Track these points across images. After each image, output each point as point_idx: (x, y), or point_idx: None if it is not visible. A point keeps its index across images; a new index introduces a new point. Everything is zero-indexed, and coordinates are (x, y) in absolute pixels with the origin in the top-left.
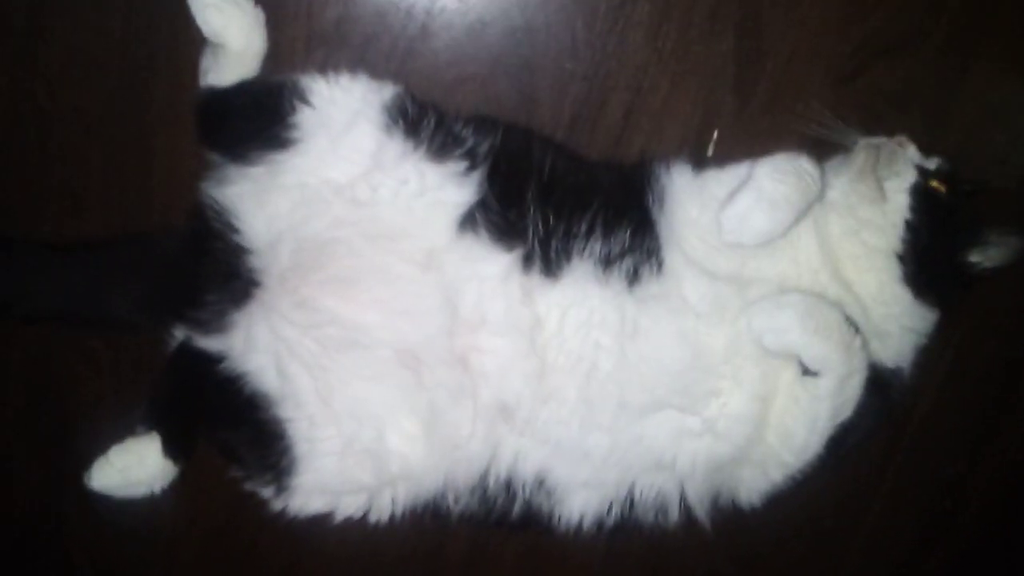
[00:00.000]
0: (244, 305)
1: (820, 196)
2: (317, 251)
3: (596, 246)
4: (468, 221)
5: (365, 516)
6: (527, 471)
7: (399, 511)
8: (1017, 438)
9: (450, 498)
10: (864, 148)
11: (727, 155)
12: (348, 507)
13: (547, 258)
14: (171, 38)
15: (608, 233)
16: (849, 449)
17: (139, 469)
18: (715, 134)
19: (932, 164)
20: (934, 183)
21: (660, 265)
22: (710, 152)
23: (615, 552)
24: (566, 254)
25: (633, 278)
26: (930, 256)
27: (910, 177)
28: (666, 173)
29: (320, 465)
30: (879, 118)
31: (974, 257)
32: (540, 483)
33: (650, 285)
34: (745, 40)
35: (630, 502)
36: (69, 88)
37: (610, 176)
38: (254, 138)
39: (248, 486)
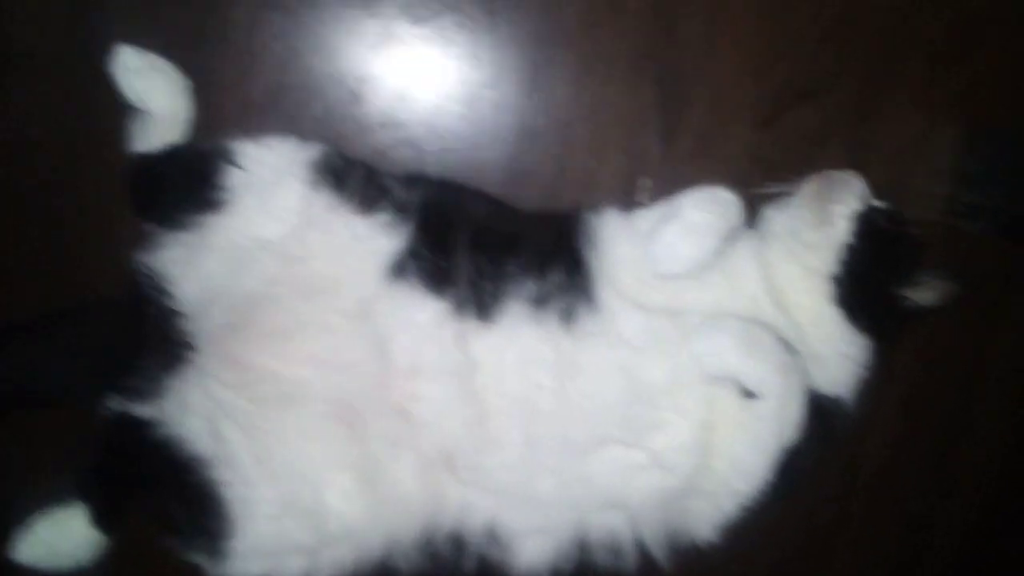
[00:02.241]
0: (178, 369)
1: (741, 222)
2: (248, 310)
3: (528, 288)
4: (399, 270)
5: None
6: (475, 522)
7: (343, 572)
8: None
9: (396, 556)
10: (815, 177)
11: (659, 200)
12: (288, 570)
13: (480, 302)
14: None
15: (540, 275)
16: (798, 477)
17: (66, 541)
18: (649, 183)
19: (879, 203)
20: (877, 214)
21: (594, 303)
22: (645, 199)
23: None
24: (498, 297)
25: (568, 317)
26: (865, 281)
27: (856, 205)
28: (597, 217)
29: (256, 527)
30: (803, 158)
31: (910, 293)
32: (490, 533)
33: (586, 323)
34: (666, 89)
35: (584, 545)
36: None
37: (542, 223)
38: (183, 201)
39: (183, 554)
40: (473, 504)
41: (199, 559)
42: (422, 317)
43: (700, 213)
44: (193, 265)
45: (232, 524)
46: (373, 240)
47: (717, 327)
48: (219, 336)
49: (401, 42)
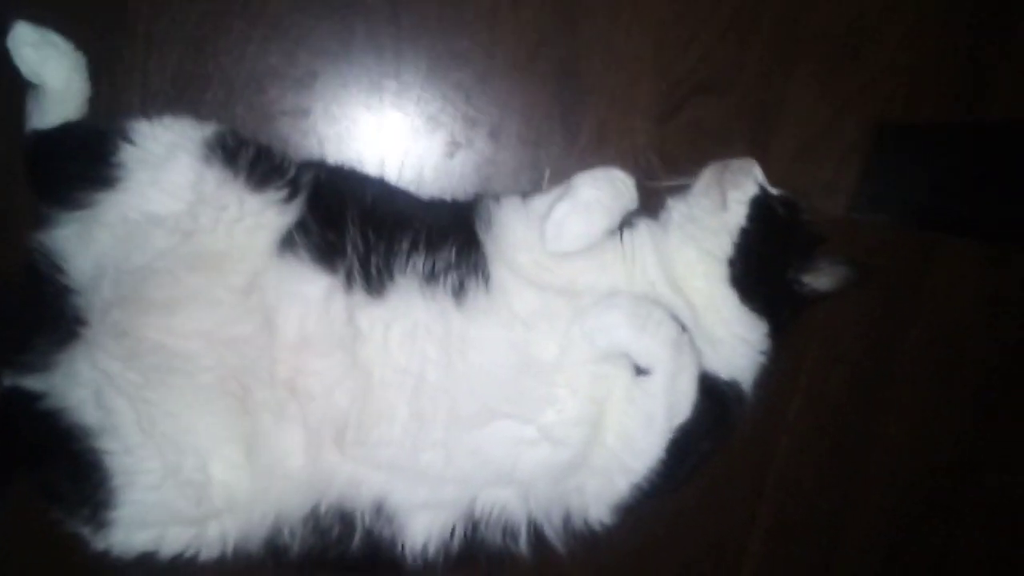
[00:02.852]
0: (69, 344)
1: (634, 202)
2: (138, 284)
3: (419, 262)
4: (288, 243)
5: (194, 555)
6: (363, 497)
7: (229, 546)
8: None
9: (284, 532)
10: (713, 165)
11: None
12: (173, 542)
13: (368, 275)
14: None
15: (432, 250)
16: (693, 459)
17: None
18: (547, 172)
19: (776, 190)
20: (775, 204)
21: (487, 280)
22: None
23: None
24: (388, 271)
25: (459, 292)
26: (759, 264)
27: (752, 190)
28: (495, 203)
29: (138, 497)
30: (704, 152)
31: (805, 279)
32: (378, 509)
33: (477, 299)
34: (566, 81)
35: (475, 522)
36: None
37: (437, 206)
38: (78, 177)
39: (68, 525)
40: (361, 479)
41: (83, 530)
42: (310, 291)
43: (592, 191)
44: (86, 241)
45: (114, 493)
46: (263, 215)
47: (608, 303)
48: (108, 309)
49: (304, 32)
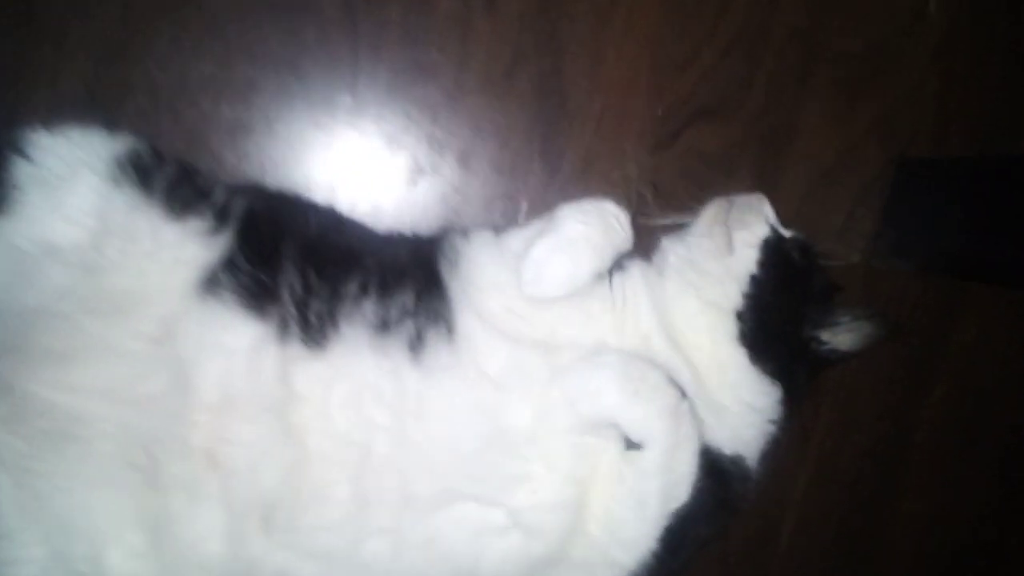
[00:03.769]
0: None
1: (628, 242)
2: (28, 328)
3: (369, 309)
4: (211, 284)
5: None
6: None
7: None
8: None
9: None
10: (717, 202)
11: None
12: None
13: (307, 324)
14: None
15: (385, 295)
16: (689, 547)
17: None
18: (524, 205)
19: (788, 232)
20: (789, 247)
21: (451, 331)
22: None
23: None
24: (331, 319)
25: (417, 346)
26: (773, 318)
27: (762, 231)
28: (463, 239)
29: None
30: (704, 186)
31: (824, 335)
32: None
33: (438, 354)
34: (548, 101)
35: None
36: None
37: (394, 242)
38: None
39: None
40: (292, 571)
41: None
42: (236, 341)
43: (579, 226)
44: None
45: None
46: (182, 249)
47: (595, 362)
48: None
49: (244, 36)
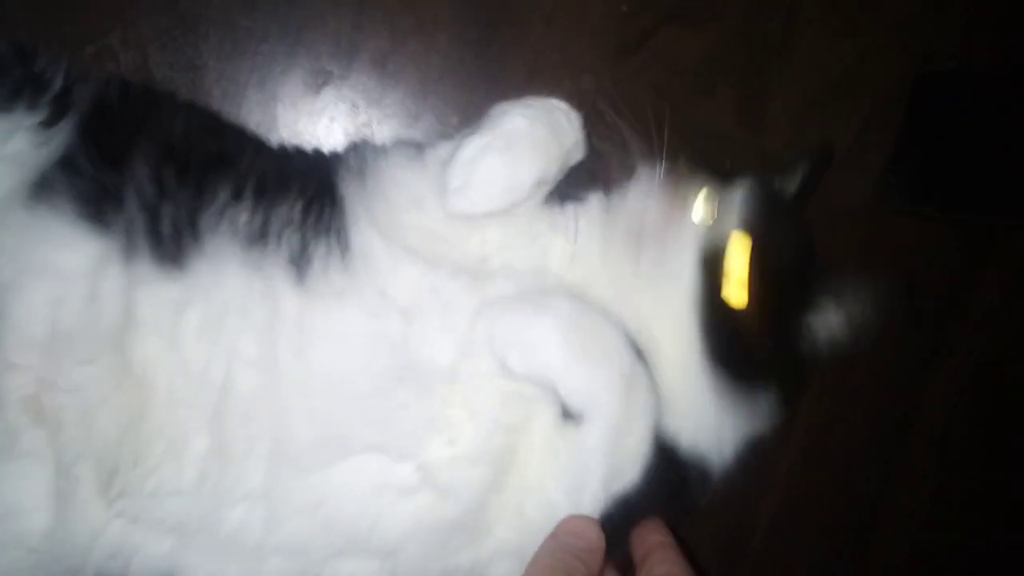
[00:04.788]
0: None
1: (578, 147)
2: None
3: (239, 218)
4: (42, 191)
5: None
6: (138, 573)
7: None
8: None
9: None
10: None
11: None
12: None
13: (159, 237)
14: None
15: (263, 203)
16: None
17: None
18: (454, 120)
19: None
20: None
21: (346, 248)
22: None
23: None
24: (192, 230)
25: (301, 264)
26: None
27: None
28: (375, 150)
29: None
30: (676, 102)
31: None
32: None
33: (328, 276)
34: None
35: None
36: None
37: (281, 151)
38: None
39: None
40: (136, 546)
41: None
42: (69, 261)
43: (520, 120)
44: None
45: None
46: (6, 146)
47: (537, 304)
48: None
49: None
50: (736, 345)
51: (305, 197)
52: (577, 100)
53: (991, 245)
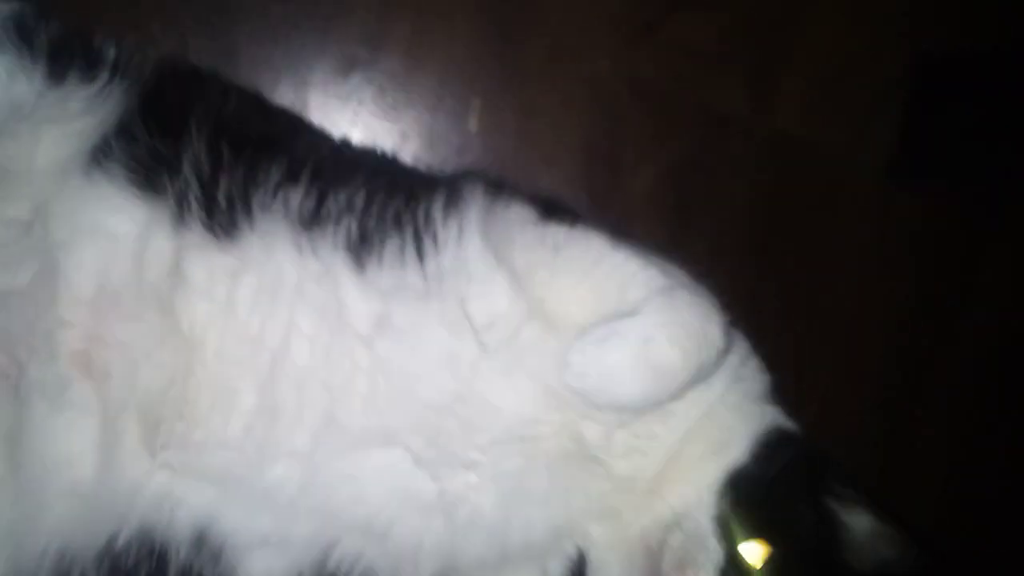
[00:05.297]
0: None
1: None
2: None
3: (293, 199)
4: (98, 156)
5: None
6: (180, 522)
7: None
8: None
9: (70, 571)
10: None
11: (496, 128)
12: None
13: (214, 207)
14: None
15: (315, 186)
16: None
17: None
18: (476, 104)
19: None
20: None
21: (433, 249)
22: (473, 126)
23: None
24: (244, 204)
25: (361, 253)
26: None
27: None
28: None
29: None
30: (691, 83)
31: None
32: (200, 540)
33: (406, 272)
34: None
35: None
36: None
37: (342, 141)
38: None
39: None
40: (179, 496)
41: None
42: (120, 224)
43: (667, 343)
44: None
45: None
46: (65, 115)
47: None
48: None
49: None
50: None
51: (371, 189)
52: (592, 85)
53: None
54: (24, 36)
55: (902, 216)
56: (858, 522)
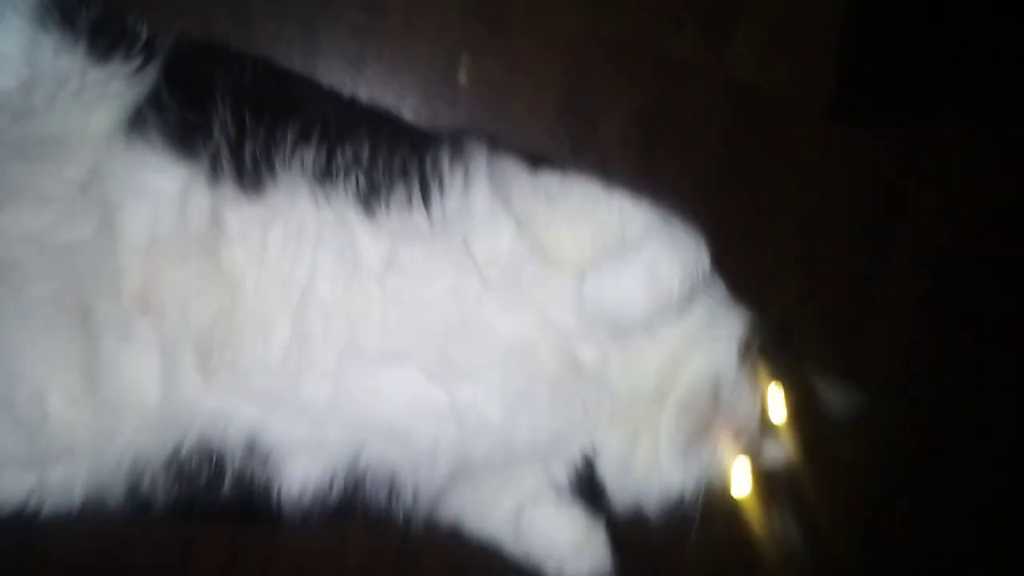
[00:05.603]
0: None
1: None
2: None
3: (307, 157)
4: (138, 125)
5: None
6: (233, 434)
7: (80, 496)
8: None
9: (145, 479)
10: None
11: (483, 82)
12: (9, 490)
13: (241, 166)
14: None
15: (328, 145)
16: None
17: None
18: (467, 59)
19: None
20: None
21: (438, 195)
22: (463, 80)
23: None
24: (268, 163)
25: (371, 201)
26: None
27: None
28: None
29: None
30: (654, 34)
31: None
32: (250, 447)
33: (413, 217)
34: None
35: (357, 474)
36: None
37: (348, 99)
38: None
39: None
40: (230, 412)
41: None
42: (163, 183)
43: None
44: None
45: None
46: (108, 90)
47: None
48: None
49: None
50: None
51: (375, 143)
52: (571, 39)
53: (923, 154)
54: (66, 16)
55: (844, 151)
56: None
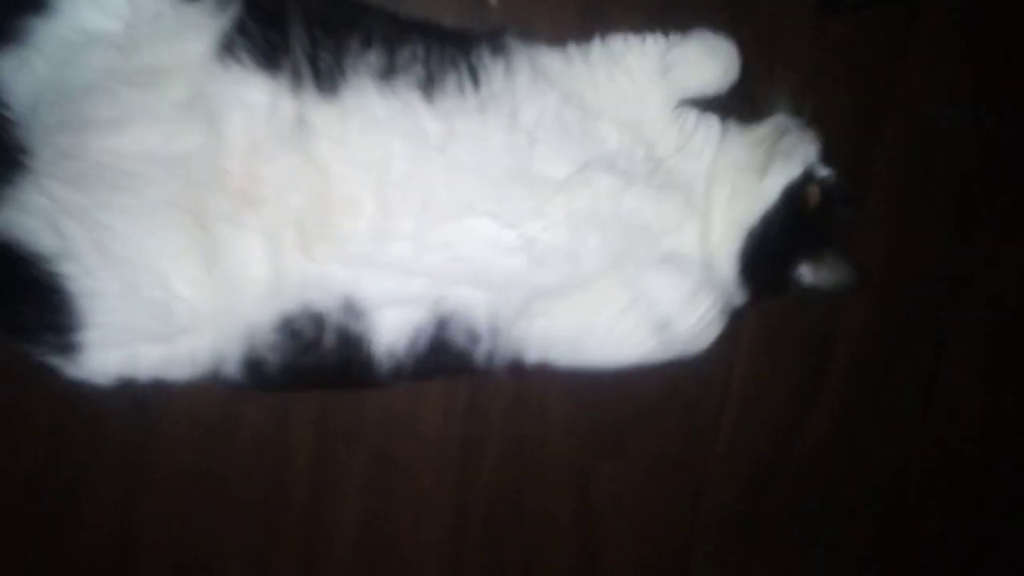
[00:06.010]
0: (16, 175)
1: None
2: (79, 105)
3: (370, 60)
4: (228, 48)
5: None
6: (331, 296)
7: (203, 364)
8: None
9: (257, 345)
10: (773, 124)
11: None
12: (144, 362)
13: (318, 74)
14: None
15: (386, 47)
16: None
17: None
18: None
19: (824, 172)
20: (812, 188)
21: (485, 78)
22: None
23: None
24: (339, 69)
25: (429, 89)
26: (769, 255)
27: (793, 172)
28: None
29: (102, 318)
30: None
31: (804, 269)
32: (347, 306)
33: (466, 97)
34: None
35: (440, 319)
36: None
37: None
38: (6, 3)
39: (39, 356)
40: (328, 278)
41: (54, 358)
42: (255, 95)
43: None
44: (24, 71)
45: (79, 317)
46: (199, 20)
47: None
48: (51, 135)
49: None
50: (764, 274)
51: (426, 45)
52: None
53: (911, 30)
54: None
55: (834, 41)
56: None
